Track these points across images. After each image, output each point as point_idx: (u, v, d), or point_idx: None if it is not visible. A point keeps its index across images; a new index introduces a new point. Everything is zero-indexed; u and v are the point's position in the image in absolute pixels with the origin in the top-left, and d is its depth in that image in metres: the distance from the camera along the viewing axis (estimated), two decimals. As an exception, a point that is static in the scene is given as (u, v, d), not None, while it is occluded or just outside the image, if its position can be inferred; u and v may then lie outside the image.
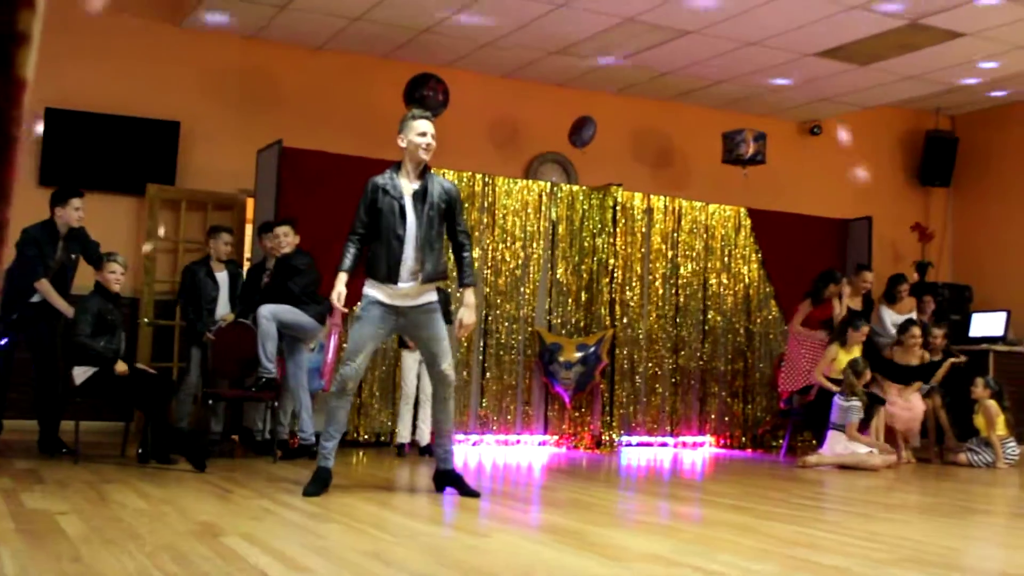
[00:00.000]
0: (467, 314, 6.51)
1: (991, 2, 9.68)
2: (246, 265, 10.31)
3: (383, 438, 10.05)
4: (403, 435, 9.31)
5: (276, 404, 8.71)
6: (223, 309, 9.11)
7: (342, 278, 6.41)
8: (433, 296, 6.57)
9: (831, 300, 10.94)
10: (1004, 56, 11.37)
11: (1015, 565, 4.88)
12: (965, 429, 10.90)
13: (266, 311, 8.48)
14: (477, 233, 10.71)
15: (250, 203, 10.76)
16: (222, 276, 9.20)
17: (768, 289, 12.18)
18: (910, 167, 14.62)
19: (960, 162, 14.41)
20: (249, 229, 10.71)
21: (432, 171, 6.66)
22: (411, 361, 9.21)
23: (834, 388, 10.05)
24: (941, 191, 14.62)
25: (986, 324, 12.73)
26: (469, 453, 9.89)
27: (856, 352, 10.54)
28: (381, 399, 10.10)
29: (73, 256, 8.38)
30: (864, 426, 10.17)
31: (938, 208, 14.67)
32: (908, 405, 10.62)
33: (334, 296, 6.38)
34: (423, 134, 6.45)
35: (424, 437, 9.13)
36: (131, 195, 10.64)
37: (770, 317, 12.14)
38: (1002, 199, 14.06)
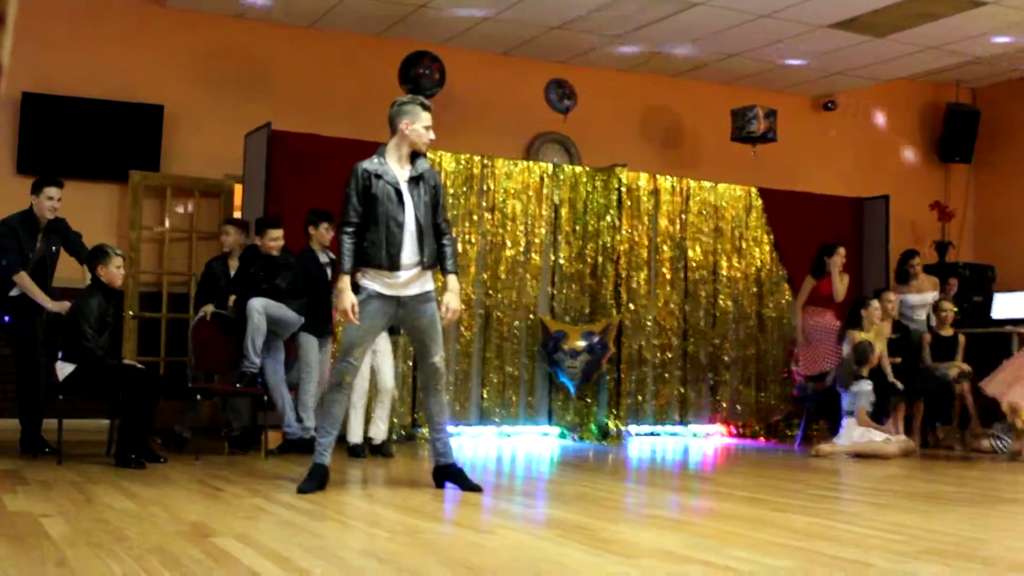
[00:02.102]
0: (452, 299, 6.55)
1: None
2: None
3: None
4: (356, 434, 8.81)
5: (265, 399, 8.77)
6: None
7: (347, 284, 6.40)
8: (431, 285, 6.57)
9: (832, 274, 11.01)
10: (1026, 25, 11.37)
11: (1041, 556, 4.89)
12: (989, 414, 10.93)
13: (258, 305, 8.56)
14: (476, 217, 10.72)
15: (238, 189, 10.75)
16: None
17: (781, 272, 12.18)
18: (929, 143, 14.61)
19: (982, 137, 14.39)
20: (238, 216, 10.67)
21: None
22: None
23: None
24: (962, 167, 14.61)
25: (1010, 305, 12.72)
26: (470, 446, 9.90)
27: (884, 330, 10.60)
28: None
29: (53, 248, 8.35)
30: (883, 417, 10.20)
31: (959, 185, 14.65)
32: None
33: (347, 309, 6.36)
34: (429, 127, 6.52)
35: (380, 434, 8.87)
36: (113, 182, 10.62)
37: (783, 301, 12.14)
38: (1025, 175, 14.07)
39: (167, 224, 10.79)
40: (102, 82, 10.57)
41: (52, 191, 8.18)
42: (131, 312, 10.41)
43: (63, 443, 7.74)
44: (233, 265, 9.31)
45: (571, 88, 11.85)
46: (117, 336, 9.33)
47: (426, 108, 6.56)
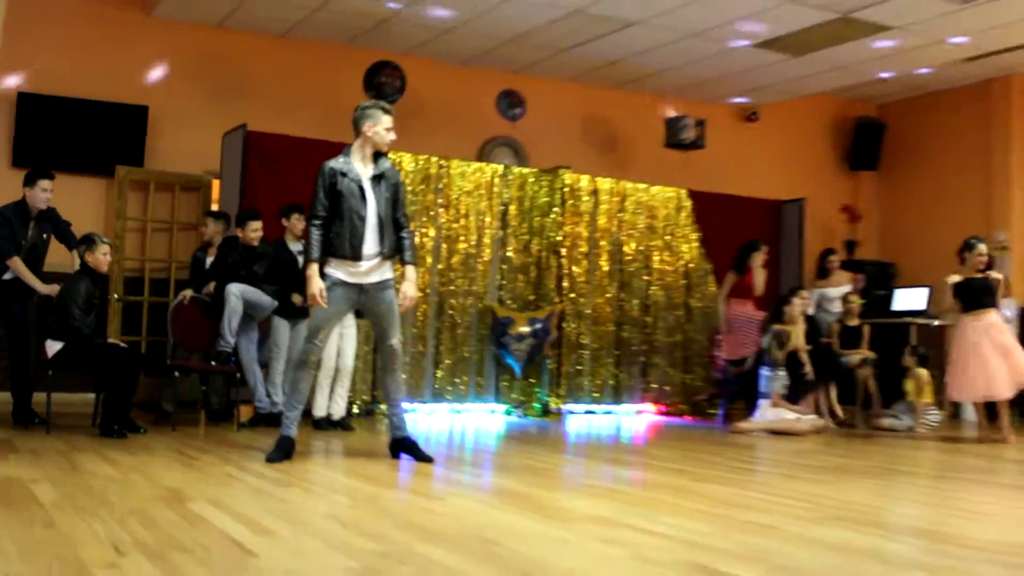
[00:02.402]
0: (410, 287, 6.60)
1: (912, 1, 9.79)
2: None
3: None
4: (321, 408, 8.75)
5: (238, 375, 8.75)
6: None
7: (315, 271, 6.40)
8: (390, 273, 6.58)
9: (752, 269, 11.12)
10: (928, 48, 11.48)
11: (932, 522, 4.97)
12: (888, 395, 11.08)
13: (236, 290, 8.55)
14: (432, 213, 10.71)
15: (216, 184, 10.68)
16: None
17: (707, 266, 12.25)
18: (840, 152, 14.73)
19: (887, 147, 14.54)
20: (215, 208, 10.61)
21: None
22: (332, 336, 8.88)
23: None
24: (869, 174, 14.74)
25: (909, 299, 12.85)
26: (424, 421, 9.90)
27: (800, 326, 10.69)
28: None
29: (44, 236, 8.29)
30: (800, 399, 10.29)
31: (866, 190, 14.79)
32: None
33: (315, 293, 6.36)
34: (390, 129, 6.53)
35: (339, 410, 8.80)
36: (101, 176, 10.52)
37: (708, 293, 12.22)
38: (925, 182, 14.21)
39: (150, 215, 10.69)
40: (92, 84, 10.46)
41: (45, 183, 8.13)
42: (116, 295, 10.31)
43: (51, 415, 7.69)
44: (213, 253, 9.26)
45: (519, 97, 11.87)
46: (103, 317, 9.24)
47: (387, 112, 6.57)
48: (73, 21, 10.46)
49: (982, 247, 9.55)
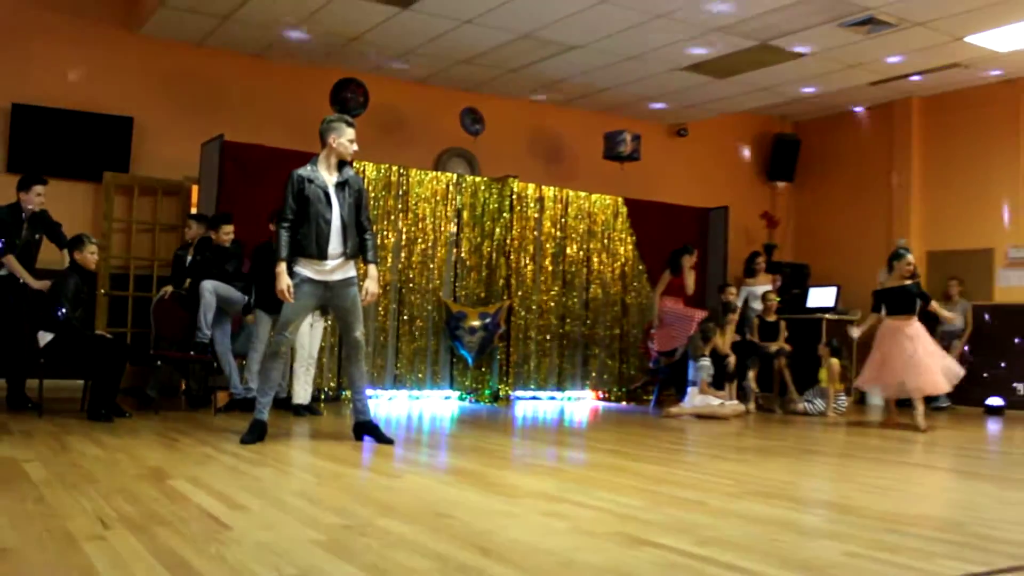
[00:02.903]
0: (372, 284, 6.61)
1: (825, 29, 9.87)
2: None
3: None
4: (300, 396, 8.66)
5: (215, 365, 8.71)
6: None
7: (284, 269, 6.38)
8: (353, 272, 6.57)
9: (684, 270, 11.23)
10: (837, 73, 11.61)
11: (840, 496, 5.03)
12: (802, 383, 11.21)
13: (209, 285, 8.51)
14: (393, 217, 10.67)
15: (195, 189, 10.58)
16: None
17: (641, 267, 12.32)
18: (760, 164, 14.87)
19: (802, 161, 14.70)
20: (195, 212, 10.52)
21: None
22: (304, 326, 8.59)
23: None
24: (785, 185, 14.88)
25: (820, 296, 13.01)
26: (385, 406, 9.88)
27: (731, 333, 10.86)
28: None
29: (37, 236, 8.21)
30: (720, 386, 10.39)
31: (783, 199, 14.94)
32: None
33: (283, 289, 6.34)
34: (352, 140, 6.53)
35: (307, 397, 8.70)
36: (89, 181, 10.38)
37: (642, 290, 12.28)
38: (835, 192, 14.38)
39: (134, 217, 10.57)
40: (81, 96, 10.32)
41: (39, 187, 8.07)
42: (103, 290, 10.19)
43: (43, 400, 7.60)
44: (190, 252, 9.18)
45: (480, 115, 11.86)
46: (91, 311, 9.13)
47: (350, 125, 6.56)
48: (64, 38, 10.31)
49: (910, 256, 9.37)
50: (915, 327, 9.14)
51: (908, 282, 9.28)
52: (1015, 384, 11.84)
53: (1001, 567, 3.37)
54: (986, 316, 12.16)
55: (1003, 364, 11.94)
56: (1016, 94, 12.18)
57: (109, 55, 10.55)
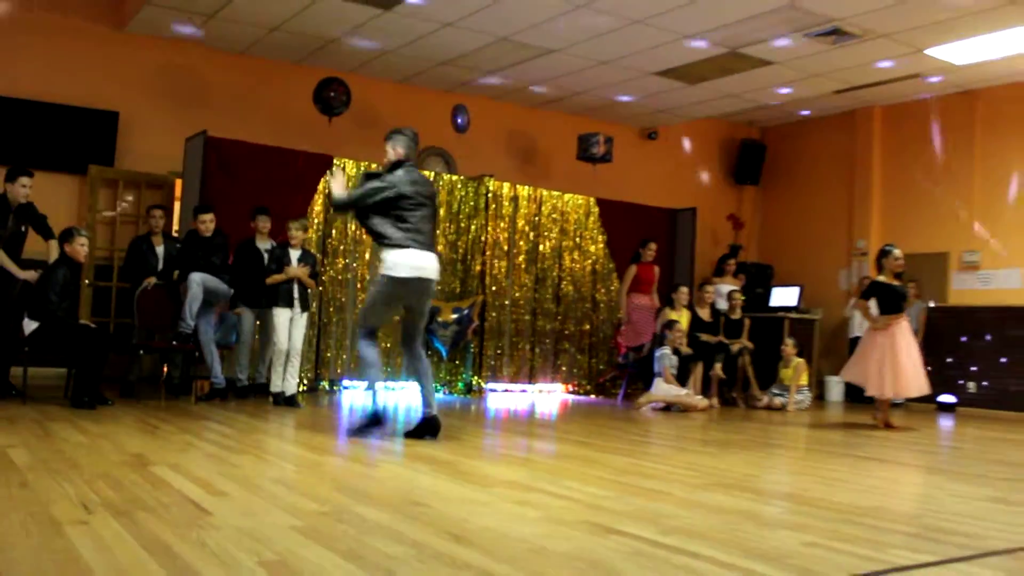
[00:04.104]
0: None
1: (793, 38, 9.93)
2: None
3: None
4: (278, 386, 8.56)
5: (197, 354, 8.66)
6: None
7: None
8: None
9: (650, 264, 11.31)
10: (801, 82, 11.68)
11: (798, 488, 5.06)
12: (764, 379, 11.28)
13: (198, 277, 8.46)
14: (372, 213, 10.64)
15: (178, 183, 10.51)
16: (160, 249, 9.08)
17: (611, 265, 12.36)
18: (727, 168, 14.93)
19: (767, 165, 14.78)
20: (178, 206, 10.45)
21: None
22: (283, 318, 8.58)
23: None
24: (751, 188, 14.98)
25: (783, 296, 13.10)
26: (360, 397, 9.86)
27: (684, 312, 10.98)
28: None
29: (23, 228, 8.12)
30: (684, 378, 10.46)
31: (748, 202, 15.03)
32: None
33: None
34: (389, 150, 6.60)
35: (291, 388, 8.58)
36: (75, 174, 10.30)
37: (612, 288, 12.32)
38: (799, 196, 14.47)
39: (118, 209, 10.50)
40: (68, 91, 10.24)
41: (25, 179, 7.98)
42: (87, 280, 10.11)
43: (27, 387, 7.54)
44: (156, 242, 9.09)
45: (468, 115, 11.84)
46: (76, 300, 9.06)
47: (386, 138, 6.61)
48: (52, 34, 10.22)
49: (897, 252, 9.01)
50: (905, 326, 8.94)
51: (897, 283, 9.04)
52: (967, 383, 11.97)
53: (952, 557, 3.42)
54: (942, 318, 12.28)
55: (957, 364, 12.06)
56: (972, 105, 12.30)
57: (95, 51, 10.47)
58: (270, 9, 9.78)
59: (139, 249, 9.07)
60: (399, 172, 6.40)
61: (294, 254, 8.64)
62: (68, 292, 7.63)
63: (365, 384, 6.62)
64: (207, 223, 8.69)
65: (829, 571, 3.10)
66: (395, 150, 6.51)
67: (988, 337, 11.86)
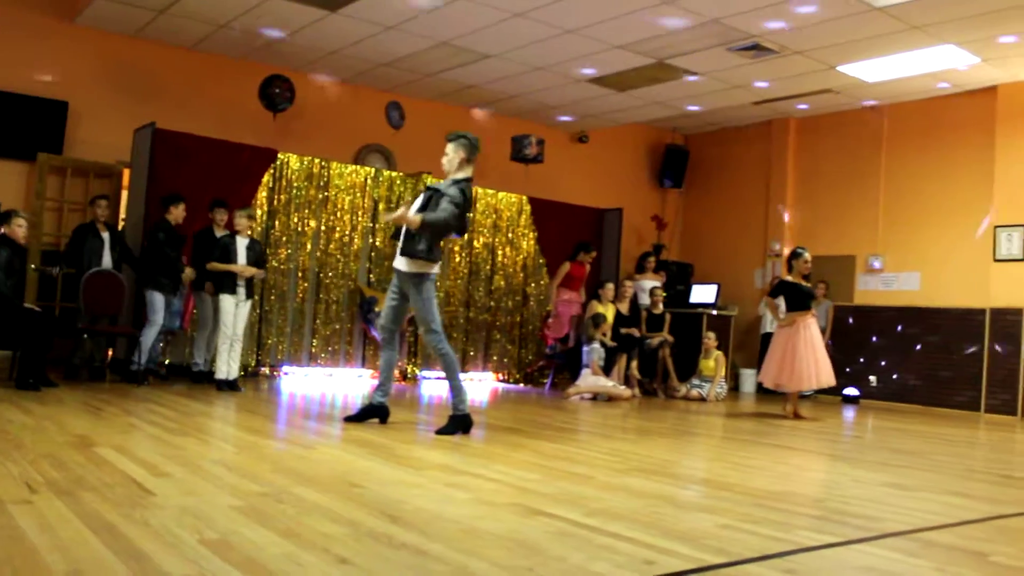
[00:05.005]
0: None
1: (716, 52, 10.04)
2: (120, 224, 10.11)
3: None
4: (222, 371, 8.45)
5: (141, 339, 8.53)
6: (106, 261, 8.80)
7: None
8: (405, 267, 6.30)
9: (583, 263, 11.44)
10: (724, 92, 11.82)
11: (714, 474, 5.14)
12: (684, 371, 11.43)
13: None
14: (314, 206, 10.57)
15: (126, 173, 10.30)
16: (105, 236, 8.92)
17: (541, 260, 12.40)
18: (652, 171, 15.05)
19: (690, 169, 14.93)
20: (125, 195, 10.25)
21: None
22: (229, 304, 8.48)
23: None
24: (675, 191, 15.10)
25: (702, 293, 13.25)
26: (303, 383, 9.78)
27: (610, 307, 11.07)
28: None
29: None
30: (609, 369, 10.55)
31: (672, 204, 15.16)
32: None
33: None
34: (446, 154, 6.37)
35: (233, 372, 8.48)
36: (24, 161, 10.03)
37: (541, 282, 12.37)
38: (719, 199, 14.65)
39: (66, 197, 10.25)
40: (18, 80, 9.95)
41: None
42: (33, 266, 9.86)
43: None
44: (101, 229, 8.91)
45: (404, 111, 11.80)
46: (21, 285, 8.84)
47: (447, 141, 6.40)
48: (3, 25, 9.92)
49: (807, 255, 9.21)
50: (812, 323, 9.08)
51: (806, 283, 9.21)
52: (870, 377, 12.25)
53: (854, 538, 3.50)
54: (849, 317, 12.54)
55: (861, 359, 12.34)
56: (880, 119, 12.56)
57: (45, 42, 10.19)
58: (219, 6, 9.62)
59: (84, 236, 8.90)
60: (469, 190, 6.29)
61: (242, 242, 8.54)
62: (12, 271, 7.48)
63: (450, 379, 6.31)
64: (172, 214, 8.79)
65: (742, 551, 3.16)
66: (459, 155, 6.29)
67: (889, 335, 12.14)
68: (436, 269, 6.26)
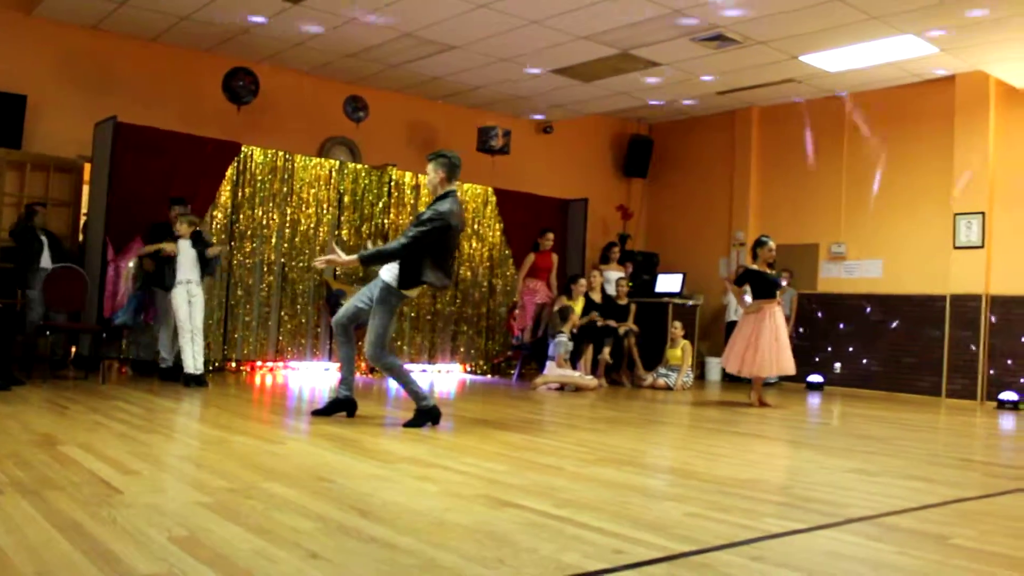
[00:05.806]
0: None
1: (680, 42, 10.09)
2: (82, 220, 10.01)
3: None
4: (188, 365, 8.38)
5: (104, 335, 8.47)
6: (45, 262, 8.80)
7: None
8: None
9: (548, 252, 11.44)
10: (688, 82, 11.88)
11: (681, 462, 5.18)
12: (650, 360, 11.50)
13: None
14: (278, 199, 10.50)
15: (87, 167, 10.18)
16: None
17: (507, 252, 12.40)
18: (617, 161, 15.10)
19: (654, 160, 14.99)
20: (86, 190, 10.13)
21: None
22: (179, 299, 8.42)
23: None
24: (640, 181, 15.17)
25: (668, 283, 13.32)
26: (269, 376, 9.73)
27: (580, 301, 11.10)
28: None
29: None
30: (576, 359, 10.59)
31: (636, 194, 15.22)
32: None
33: None
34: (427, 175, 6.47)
35: (198, 366, 8.41)
36: (-19, 155, 9.91)
37: (508, 273, 12.38)
38: (683, 189, 14.72)
39: (26, 192, 10.10)
40: (-27, 73, 9.84)
41: None
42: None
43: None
44: (42, 223, 9.10)
45: (364, 102, 11.73)
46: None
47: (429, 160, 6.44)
48: (-43, 16, 9.80)
49: (772, 244, 9.27)
50: (777, 311, 9.12)
51: (770, 271, 9.25)
52: (833, 364, 12.39)
53: (819, 524, 3.55)
54: (813, 304, 12.67)
55: (827, 347, 12.47)
56: (841, 108, 12.68)
57: (2, 34, 10.02)
58: (180, -1, 9.53)
59: (30, 239, 9.01)
60: (448, 203, 6.25)
61: (184, 243, 8.54)
62: None
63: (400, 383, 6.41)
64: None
65: (709, 539, 3.19)
66: (439, 175, 6.35)
67: (852, 322, 12.28)
68: (411, 293, 6.40)
